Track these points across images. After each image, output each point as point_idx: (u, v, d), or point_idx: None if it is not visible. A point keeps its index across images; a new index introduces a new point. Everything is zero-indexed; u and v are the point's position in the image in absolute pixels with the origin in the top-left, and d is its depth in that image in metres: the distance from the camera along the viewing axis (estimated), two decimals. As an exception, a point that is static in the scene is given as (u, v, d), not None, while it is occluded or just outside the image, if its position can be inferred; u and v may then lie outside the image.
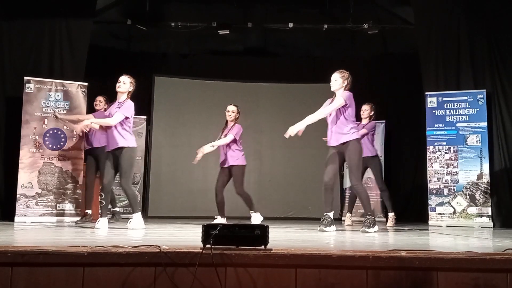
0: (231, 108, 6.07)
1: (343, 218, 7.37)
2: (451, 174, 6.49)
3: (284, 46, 9.15)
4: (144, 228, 4.87)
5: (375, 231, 4.73)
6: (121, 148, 4.87)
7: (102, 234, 4.17)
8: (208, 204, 8.63)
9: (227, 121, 6.07)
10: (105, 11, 7.92)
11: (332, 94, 5.01)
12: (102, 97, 6.26)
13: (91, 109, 6.47)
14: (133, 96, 5.27)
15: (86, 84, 6.47)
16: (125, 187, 4.90)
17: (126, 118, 4.91)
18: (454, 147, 6.53)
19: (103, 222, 4.85)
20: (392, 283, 2.44)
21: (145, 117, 8.30)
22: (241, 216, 6.68)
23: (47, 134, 6.17)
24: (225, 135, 5.91)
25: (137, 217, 4.94)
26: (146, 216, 8.20)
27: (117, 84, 5.04)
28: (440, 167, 6.55)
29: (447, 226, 6.22)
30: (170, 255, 2.44)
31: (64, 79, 6.45)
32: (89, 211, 6.05)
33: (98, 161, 6.09)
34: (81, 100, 6.39)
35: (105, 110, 5.90)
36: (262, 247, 2.51)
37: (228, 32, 8.29)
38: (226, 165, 5.88)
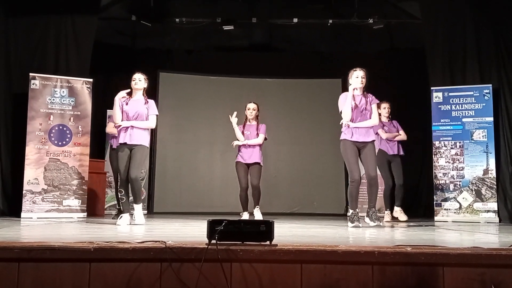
0: (252, 105, 6.10)
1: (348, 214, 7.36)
2: (457, 170, 6.46)
3: (289, 41, 9.11)
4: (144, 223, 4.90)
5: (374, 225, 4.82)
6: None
7: (108, 230, 4.18)
8: (213, 200, 8.68)
9: (246, 117, 6.13)
10: (110, 8, 7.92)
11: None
12: None
13: (96, 106, 6.48)
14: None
15: (91, 80, 6.48)
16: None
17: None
18: (460, 142, 6.50)
19: (125, 218, 4.86)
20: (398, 279, 2.43)
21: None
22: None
23: (53, 131, 6.19)
24: (257, 135, 6.03)
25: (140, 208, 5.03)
26: (151, 212, 8.24)
27: (133, 82, 5.06)
28: (446, 162, 6.52)
29: (453, 221, 6.21)
30: (176, 250, 2.45)
31: (69, 75, 6.47)
32: None
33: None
34: (86, 97, 6.41)
35: None
36: (268, 242, 2.52)
37: (232, 28, 8.27)
38: (250, 161, 6.01)
